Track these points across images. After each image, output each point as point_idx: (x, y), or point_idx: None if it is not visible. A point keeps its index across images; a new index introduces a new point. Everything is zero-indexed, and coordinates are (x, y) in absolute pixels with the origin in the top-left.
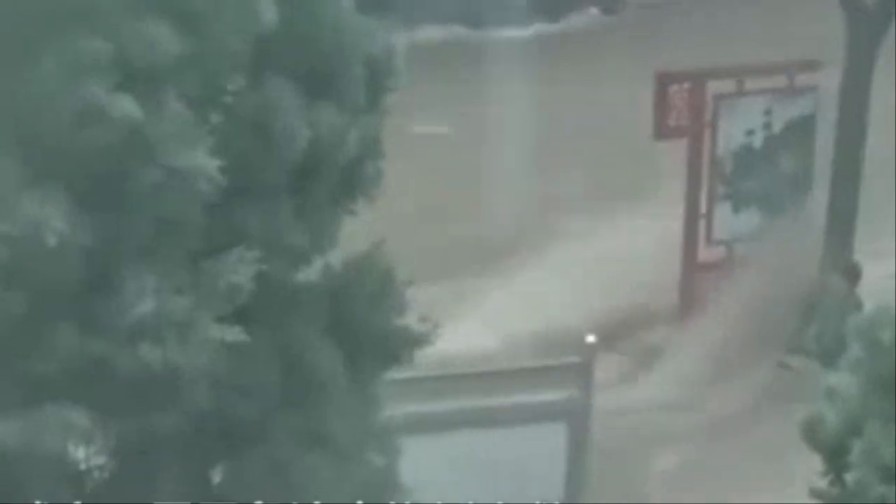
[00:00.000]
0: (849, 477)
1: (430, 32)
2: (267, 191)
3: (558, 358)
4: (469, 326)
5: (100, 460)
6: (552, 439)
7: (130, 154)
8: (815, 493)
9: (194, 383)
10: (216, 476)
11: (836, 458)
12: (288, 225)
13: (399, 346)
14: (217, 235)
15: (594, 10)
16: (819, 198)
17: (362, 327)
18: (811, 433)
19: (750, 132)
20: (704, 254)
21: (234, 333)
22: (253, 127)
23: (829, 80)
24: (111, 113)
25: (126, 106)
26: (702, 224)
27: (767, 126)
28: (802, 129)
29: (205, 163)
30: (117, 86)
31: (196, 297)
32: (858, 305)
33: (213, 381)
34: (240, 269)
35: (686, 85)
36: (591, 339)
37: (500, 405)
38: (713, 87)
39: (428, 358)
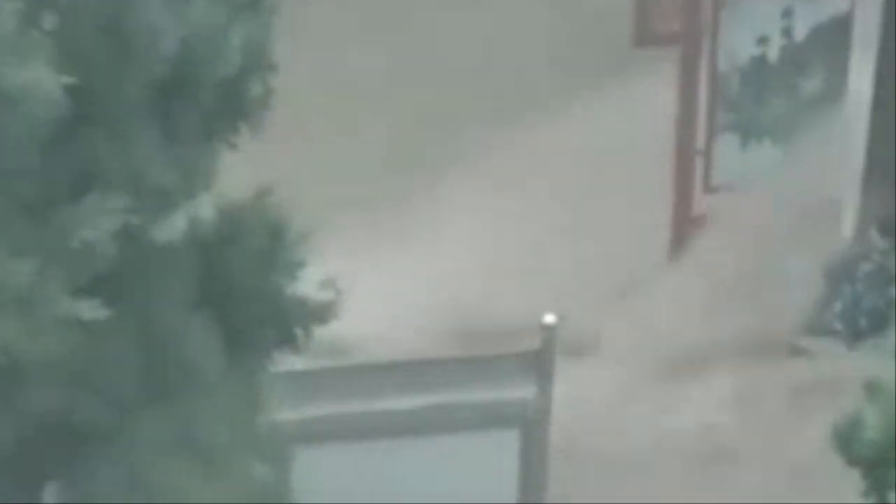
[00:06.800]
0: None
1: None
2: (122, 114)
3: (508, 345)
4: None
5: None
6: (500, 450)
7: None
8: None
9: (41, 373)
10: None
11: (878, 473)
12: (150, 159)
13: (292, 321)
14: (58, 177)
15: None
16: (855, 128)
17: (243, 297)
18: (846, 442)
19: (763, 40)
20: (702, 203)
21: (92, 308)
22: (101, 27)
23: None
24: None
25: None
26: (698, 164)
27: (787, 32)
28: (834, 35)
29: (43, 79)
30: None
31: (41, 259)
32: None
33: (58, 370)
34: (99, 223)
35: None
36: (549, 319)
37: (429, 406)
38: None
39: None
